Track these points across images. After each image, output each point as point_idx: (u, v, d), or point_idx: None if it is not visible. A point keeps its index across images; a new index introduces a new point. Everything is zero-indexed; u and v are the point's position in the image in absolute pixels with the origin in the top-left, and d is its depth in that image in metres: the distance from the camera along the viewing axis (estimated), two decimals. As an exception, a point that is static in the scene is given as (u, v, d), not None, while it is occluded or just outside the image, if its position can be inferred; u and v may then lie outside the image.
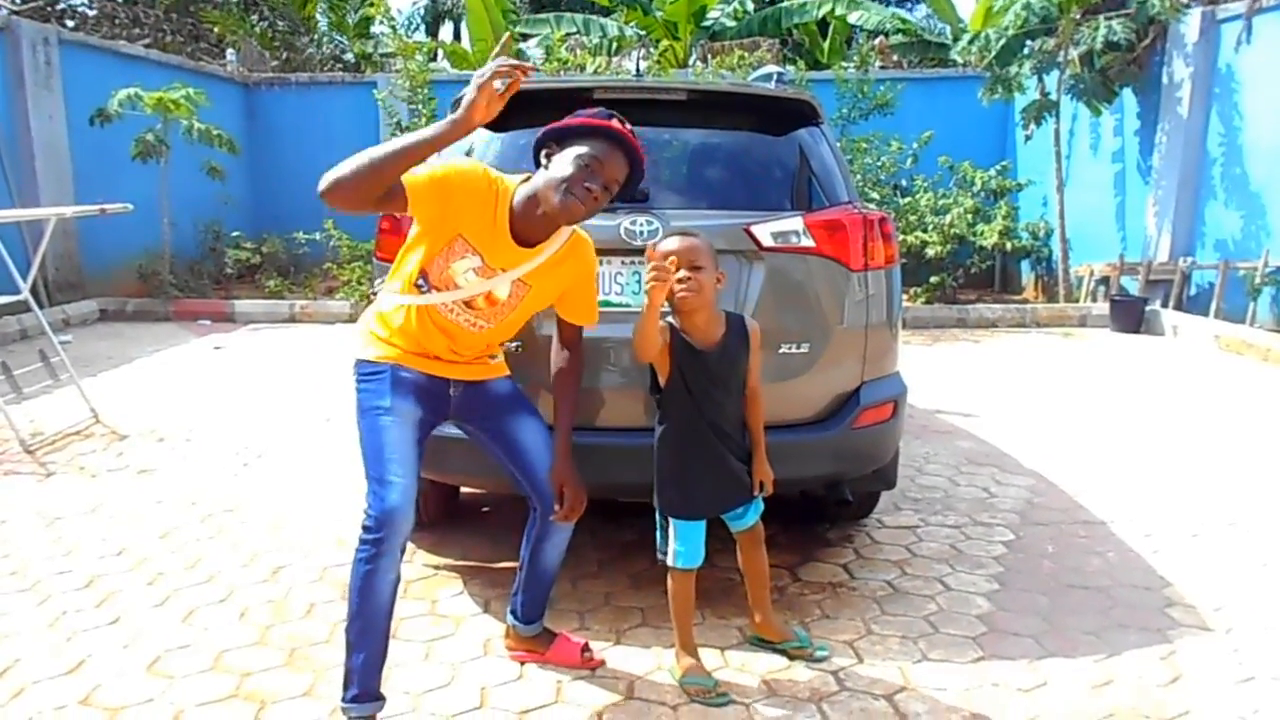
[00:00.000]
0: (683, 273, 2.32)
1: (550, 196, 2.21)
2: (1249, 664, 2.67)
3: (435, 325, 2.34)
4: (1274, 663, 2.67)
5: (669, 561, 2.54)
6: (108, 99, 8.74)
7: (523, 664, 2.65)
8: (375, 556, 2.17)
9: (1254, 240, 8.05)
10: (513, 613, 2.68)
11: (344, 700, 2.23)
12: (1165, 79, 8.93)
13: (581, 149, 2.23)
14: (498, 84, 2.05)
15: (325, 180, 2.07)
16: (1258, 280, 7.77)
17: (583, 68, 11.06)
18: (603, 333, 2.91)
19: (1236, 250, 8.24)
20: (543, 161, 2.30)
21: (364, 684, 2.22)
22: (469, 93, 2.06)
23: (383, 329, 2.37)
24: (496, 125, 3.16)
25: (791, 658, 2.65)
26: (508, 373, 2.58)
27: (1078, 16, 8.77)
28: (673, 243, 2.39)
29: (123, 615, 2.92)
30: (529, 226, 2.29)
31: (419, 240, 2.31)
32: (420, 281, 2.29)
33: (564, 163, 2.22)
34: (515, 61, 2.07)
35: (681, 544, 2.52)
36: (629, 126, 2.31)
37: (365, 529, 2.20)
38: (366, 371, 2.34)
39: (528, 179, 2.32)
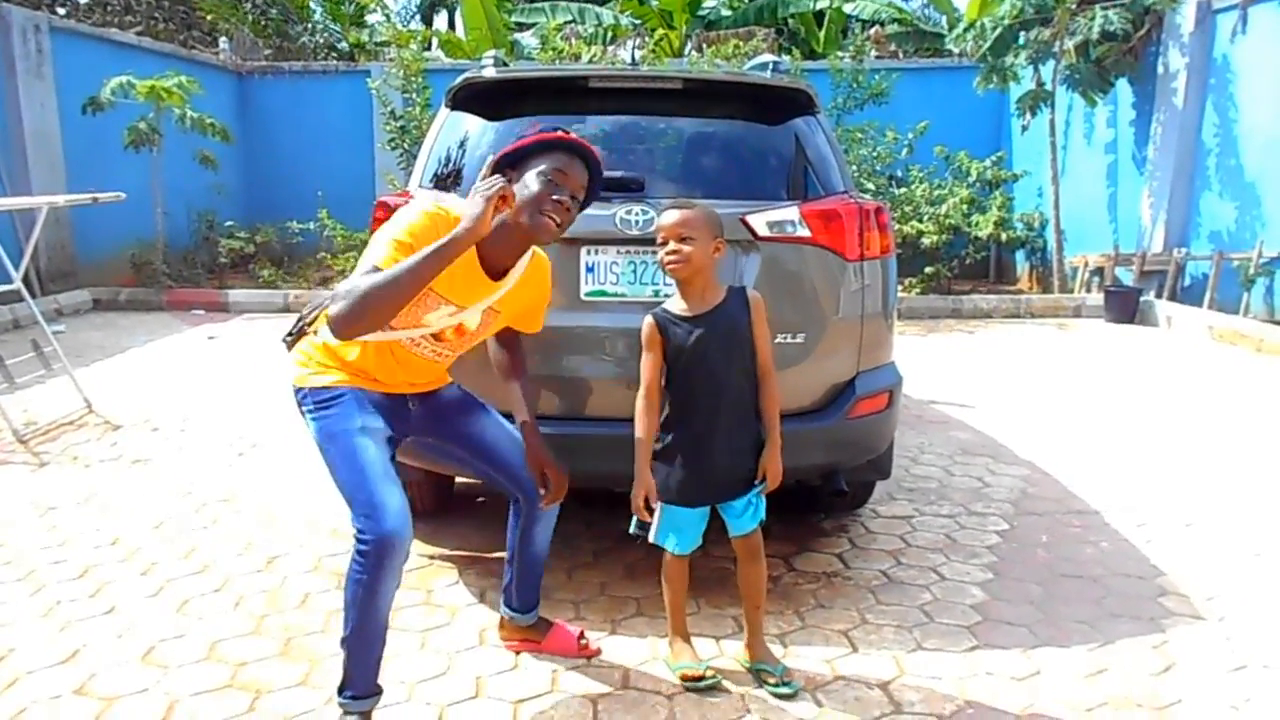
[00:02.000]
0: (671, 245, 2.34)
1: (523, 219, 2.19)
2: (1241, 652, 2.68)
3: (395, 359, 2.30)
4: (1266, 651, 2.69)
5: (651, 538, 2.46)
6: (100, 87, 8.70)
7: (518, 654, 2.65)
8: (376, 579, 2.11)
9: (1248, 231, 8.07)
10: (507, 604, 2.68)
11: (341, 697, 2.22)
12: (1161, 69, 8.93)
13: (541, 165, 2.21)
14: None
15: (339, 322, 2.01)
16: (1251, 271, 7.78)
17: (578, 57, 11.02)
18: (597, 322, 2.92)
19: (1230, 241, 8.26)
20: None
21: (363, 684, 2.21)
22: (475, 205, 2.04)
23: (330, 359, 2.30)
24: (491, 115, 3.18)
25: (761, 682, 2.50)
26: (450, 379, 2.55)
27: (1074, 6, 8.75)
28: (666, 216, 2.38)
29: (117, 605, 2.92)
30: (499, 254, 2.26)
31: None
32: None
33: (529, 183, 2.20)
34: (503, 182, 2.10)
35: (674, 530, 2.47)
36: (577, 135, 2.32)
37: (363, 554, 2.10)
38: (324, 399, 2.26)
39: None
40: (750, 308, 2.43)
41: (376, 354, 2.28)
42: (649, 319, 2.43)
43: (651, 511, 2.42)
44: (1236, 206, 8.23)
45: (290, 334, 2.52)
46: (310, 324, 2.43)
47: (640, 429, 2.41)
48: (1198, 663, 2.63)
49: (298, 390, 2.32)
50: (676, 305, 2.43)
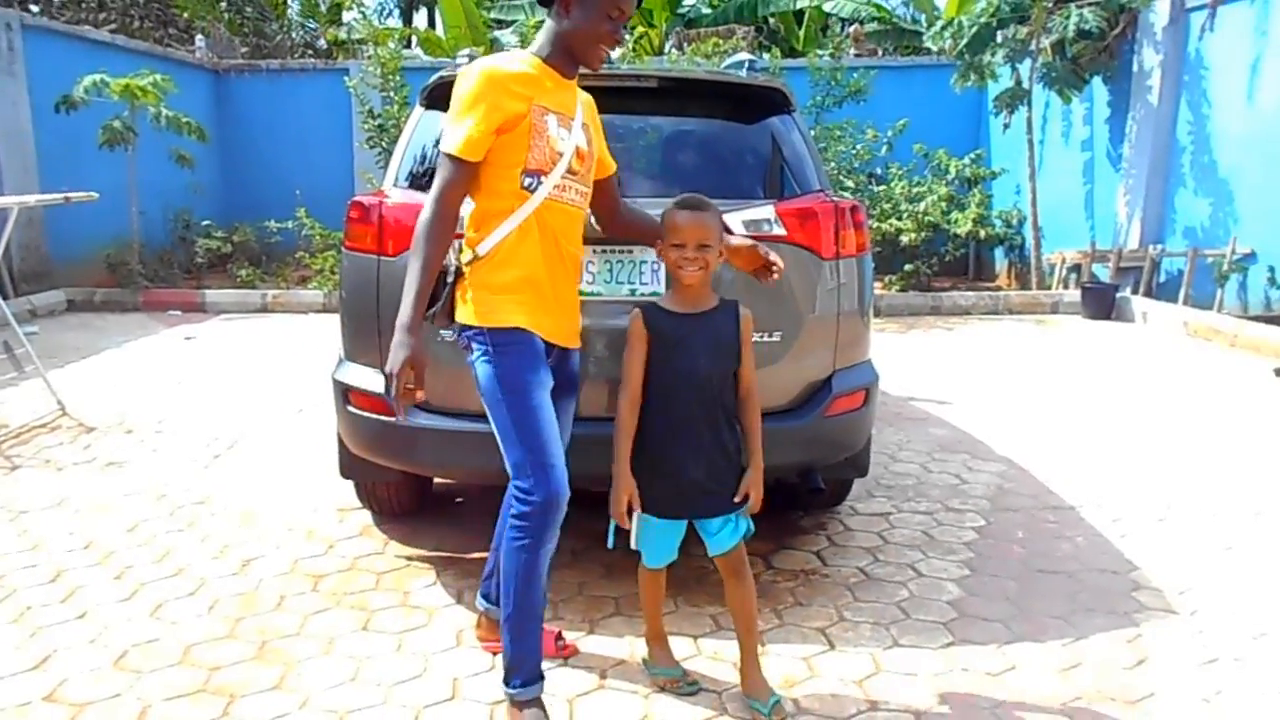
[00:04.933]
0: (690, 251, 2.27)
1: (578, 47, 2.23)
2: (1212, 646, 2.71)
3: (551, 228, 2.23)
4: (1237, 644, 2.72)
5: (633, 544, 2.40)
6: (73, 85, 8.59)
7: (495, 655, 2.64)
8: (541, 541, 2.15)
9: (1222, 228, 8.15)
10: (485, 596, 2.64)
11: (509, 687, 2.22)
12: (1136, 67, 9.00)
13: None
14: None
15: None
16: (1225, 267, 7.86)
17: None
18: (574, 322, 2.90)
19: (1205, 238, 8.34)
20: (558, 9, 2.23)
21: (531, 667, 2.23)
22: (391, 362, 2.11)
23: (498, 278, 2.21)
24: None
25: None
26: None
27: (1050, 5, 8.81)
28: (685, 218, 2.29)
29: (89, 610, 2.89)
30: (560, 64, 2.27)
31: (501, 157, 2.17)
32: (528, 182, 2.19)
33: (596, 18, 2.19)
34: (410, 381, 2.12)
35: (646, 542, 2.41)
36: None
37: (526, 515, 2.13)
38: (504, 340, 2.18)
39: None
40: (740, 323, 2.38)
41: (539, 233, 2.22)
42: (636, 312, 2.35)
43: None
44: (1210, 203, 8.32)
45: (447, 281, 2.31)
46: (465, 263, 2.27)
47: (621, 427, 2.33)
48: (1170, 656, 2.66)
49: (470, 330, 2.22)
50: (666, 302, 2.38)
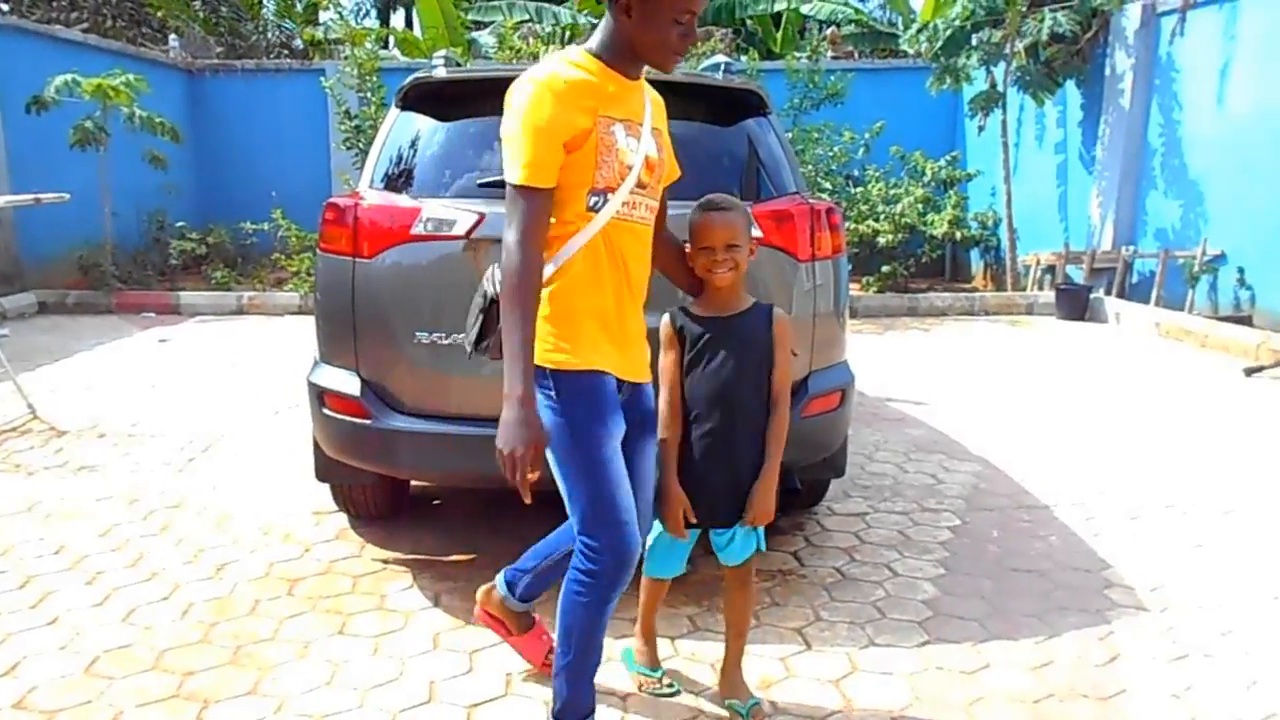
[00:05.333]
0: (720, 253, 2.19)
1: (654, 57, 2.00)
2: (1183, 642, 2.75)
3: (619, 251, 2.02)
4: (1206, 640, 2.76)
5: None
6: (44, 85, 8.48)
7: (485, 627, 2.58)
8: (608, 599, 2.02)
9: (1192, 229, 8.26)
10: (509, 583, 2.49)
11: None
12: (1108, 70, 9.11)
13: (677, 3, 1.94)
14: None
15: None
16: (1196, 269, 7.97)
17: (536, 56, 10.98)
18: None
19: (1176, 239, 8.45)
20: (618, 8, 1.98)
21: (582, 708, 2.13)
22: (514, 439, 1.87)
23: (562, 310, 1.99)
24: (442, 115, 3.16)
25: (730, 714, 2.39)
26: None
27: (1024, 8, 8.90)
28: (715, 220, 2.20)
29: (60, 616, 2.85)
30: (624, 68, 2.03)
31: (567, 178, 1.95)
32: (594, 201, 1.97)
33: (662, 23, 1.94)
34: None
35: (656, 551, 2.35)
36: None
37: (593, 573, 2.00)
38: (571, 387, 1.98)
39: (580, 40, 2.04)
40: (774, 326, 2.28)
41: (607, 254, 2.00)
42: (666, 317, 2.30)
43: (690, 526, 2.27)
44: (1181, 205, 8.43)
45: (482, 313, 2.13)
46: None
47: (664, 432, 2.24)
48: (1141, 653, 2.69)
49: (539, 369, 1.97)
50: (696, 305, 2.30)
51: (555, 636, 2.14)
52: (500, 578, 2.53)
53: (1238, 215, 7.77)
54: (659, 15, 1.93)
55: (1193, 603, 3.00)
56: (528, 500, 1.90)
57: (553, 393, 1.98)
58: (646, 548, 2.29)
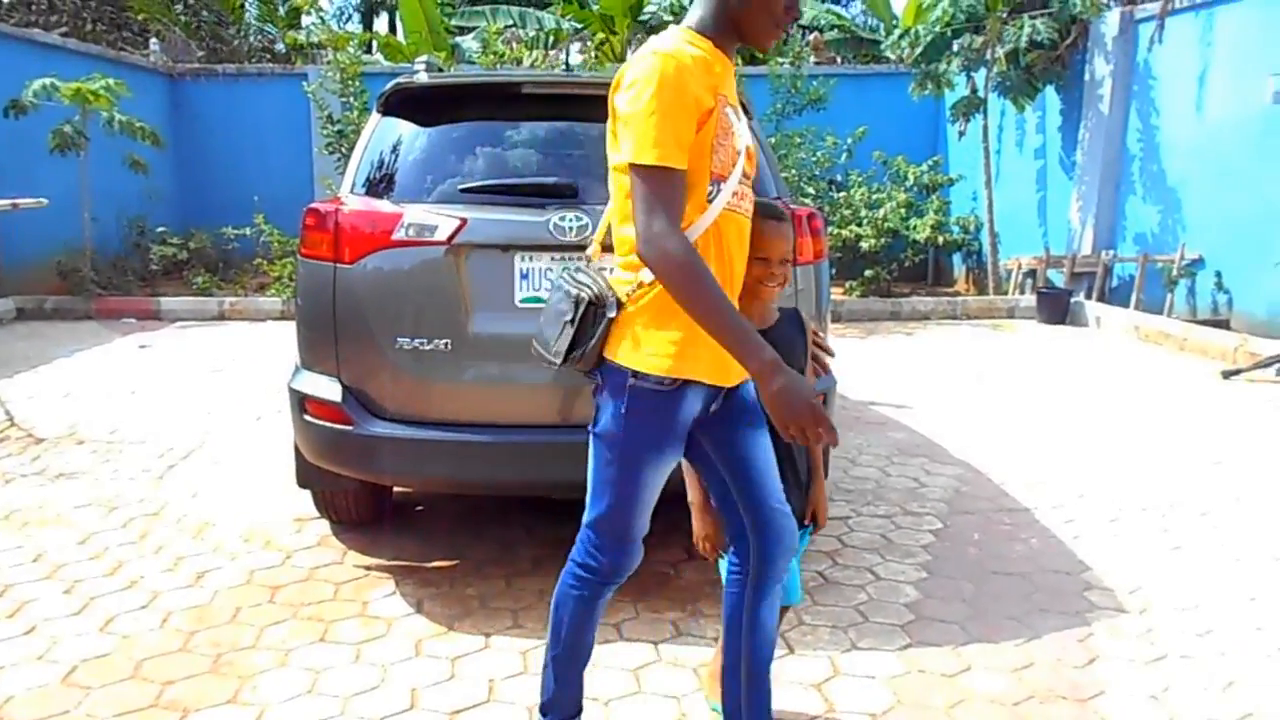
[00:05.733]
0: (774, 266, 2.06)
1: (759, 34, 1.86)
2: (1161, 644, 2.77)
3: (727, 245, 1.87)
4: (1184, 642, 2.78)
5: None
6: (22, 89, 8.42)
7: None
8: (597, 596, 2.02)
9: (1171, 234, 8.34)
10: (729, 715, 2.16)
11: (547, 719, 2.12)
12: (1087, 76, 9.19)
13: None
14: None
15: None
16: (1174, 273, 8.06)
17: (519, 61, 10.98)
18: (532, 330, 2.90)
19: (1155, 244, 8.53)
20: None
21: (570, 704, 2.13)
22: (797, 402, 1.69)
23: (670, 311, 1.78)
24: (423, 121, 3.15)
25: None
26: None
27: (1004, 15, 8.98)
28: (772, 231, 2.05)
29: (37, 625, 2.82)
30: (725, 47, 1.88)
31: (689, 161, 1.77)
32: (710, 191, 1.81)
33: (773, 3, 1.82)
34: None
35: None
36: None
37: (590, 569, 1.98)
38: (649, 402, 1.84)
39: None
40: (806, 332, 2.20)
41: (718, 271, 1.82)
42: None
43: (717, 552, 2.19)
44: (1160, 210, 8.51)
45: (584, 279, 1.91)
46: (627, 293, 1.85)
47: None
48: (1119, 655, 2.71)
49: (620, 372, 1.84)
50: None
51: (547, 630, 2.13)
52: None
53: (1215, 220, 7.86)
54: None
55: (1171, 604, 3.02)
56: (835, 442, 1.75)
57: (625, 400, 1.84)
58: (790, 571, 2.14)
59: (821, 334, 2.26)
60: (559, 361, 1.90)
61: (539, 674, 2.55)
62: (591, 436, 1.95)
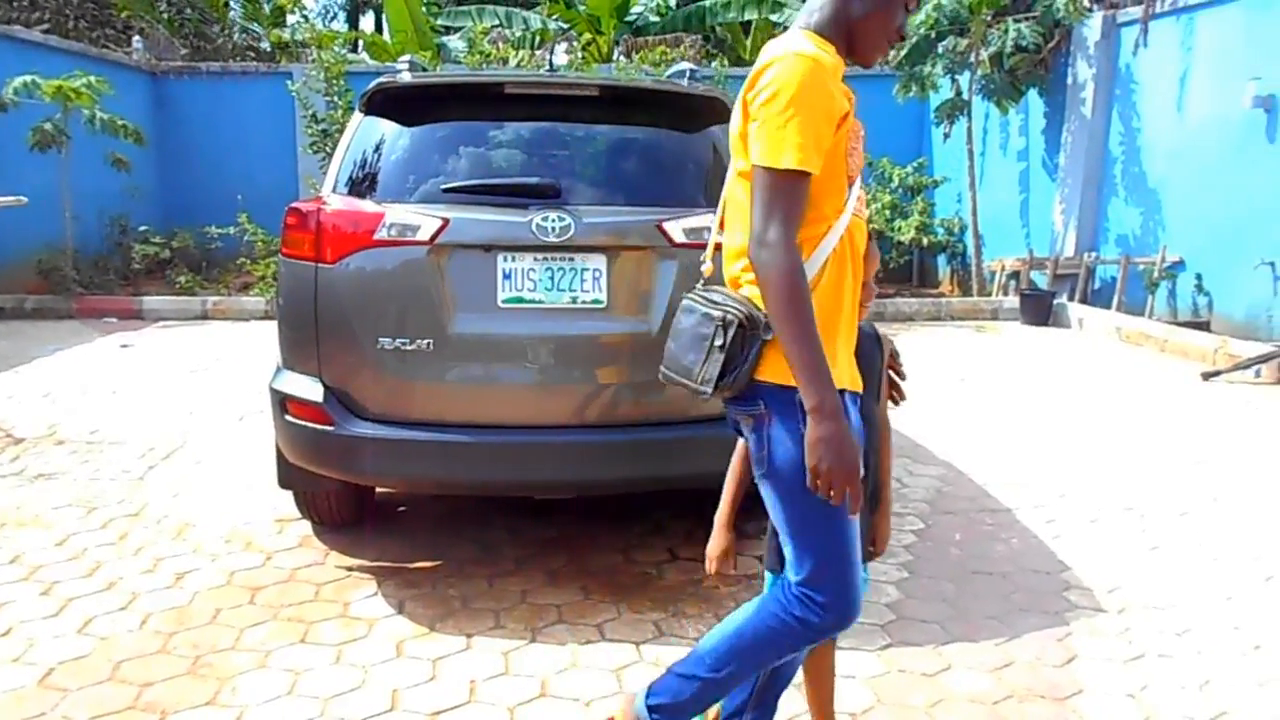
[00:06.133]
0: (873, 284, 2.04)
1: (869, 48, 1.82)
2: (1139, 642, 2.79)
3: (855, 249, 1.82)
4: (1161, 641, 2.80)
5: None
6: (2, 87, 8.35)
7: None
8: (804, 648, 1.92)
9: (1152, 236, 8.41)
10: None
11: (651, 715, 1.98)
12: (1070, 80, 9.26)
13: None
14: None
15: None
16: (1155, 275, 8.12)
17: (505, 61, 10.96)
18: (515, 330, 2.91)
19: (1137, 246, 8.60)
20: None
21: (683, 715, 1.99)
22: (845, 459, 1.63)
23: (820, 321, 1.69)
24: (406, 120, 3.15)
25: None
26: None
27: (988, 19, 9.03)
28: (873, 251, 2.01)
29: (14, 627, 2.80)
30: (843, 55, 1.82)
31: (826, 167, 1.70)
32: (846, 195, 1.77)
33: (893, 6, 1.79)
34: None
35: None
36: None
37: (813, 625, 1.79)
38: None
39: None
40: (884, 351, 2.11)
41: (852, 271, 1.79)
42: None
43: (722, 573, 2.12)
44: (1141, 213, 8.58)
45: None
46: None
47: (734, 475, 2.10)
48: (1098, 654, 2.73)
49: (779, 394, 1.72)
50: None
51: (705, 649, 1.95)
52: None
53: (1196, 223, 7.93)
54: (894, 1, 1.78)
55: (1149, 604, 3.05)
56: (854, 512, 1.70)
57: (801, 420, 1.66)
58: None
59: (899, 357, 2.19)
60: (709, 390, 1.76)
61: (522, 675, 2.57)
62: (766, 481, 1.79)
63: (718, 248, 1.96)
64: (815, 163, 1.66)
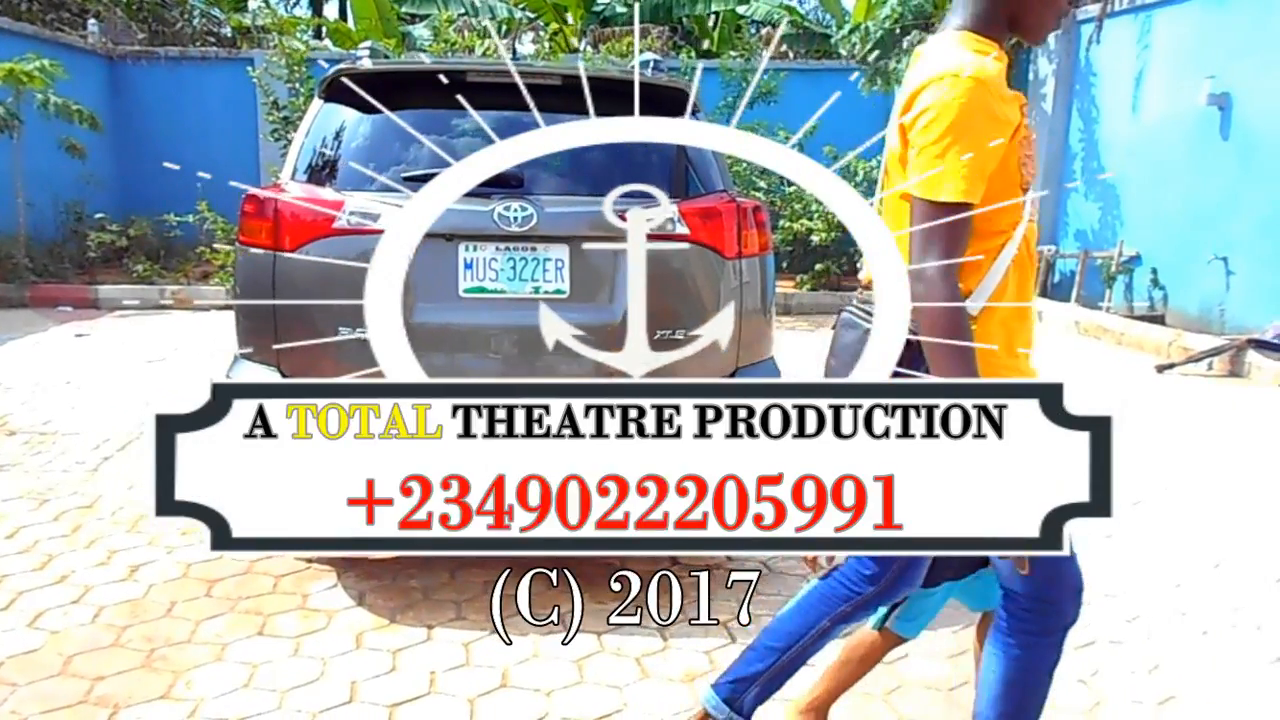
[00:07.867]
0: None
1: (1037, 25, 1.76)
2: (1090, 628, 2.84)
3: (1032, 257, 1.78)
4: (1113, 627, 2.86)
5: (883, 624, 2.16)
6: (-49, 69, 8.14)
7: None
8: (1064, 640, 1.91)
9: (1110, 231, 8.56)
10: (728, 701, 2.08)
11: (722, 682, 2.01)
12: (1031, 75, 9.38)
13: None
14: None
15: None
16: (1113, 269, 8.26)
17: (471, 49, 10.88)
18: (477, 320, 2.89)
19: (1095, 240, 8.74)
20: None
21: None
22: None
23: (1005, 338, 1.69)
24: (366, 107, 3.11)
25: None
26: None
27: (952, 13, 9.11)
28: None
29: (-38, 621, 2.75)
30: (1000, 41, 1.75)
31: (1000, 180, 1.65)
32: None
33: None
34: None
35: (905, 609, 2.14)
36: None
37: (1058, 631, 1.85)
38: None
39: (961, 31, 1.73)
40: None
41: (1030, 280, 1.76)
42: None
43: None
44: (1100, 208, 8.72)
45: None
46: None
47: None
48: (1070, 651, 2.77)
49: None
50: None
51: (991, 692, 1.91)
52: (710, 699, 2.10)
53: (1152, 218, 8.08)
54: None
55: (1101, 591, 3.11)
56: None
57: None
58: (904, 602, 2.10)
59: None
60: None
61: (482, 666, 2.56)
62: None
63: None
64: (976, 193, 1.60)
